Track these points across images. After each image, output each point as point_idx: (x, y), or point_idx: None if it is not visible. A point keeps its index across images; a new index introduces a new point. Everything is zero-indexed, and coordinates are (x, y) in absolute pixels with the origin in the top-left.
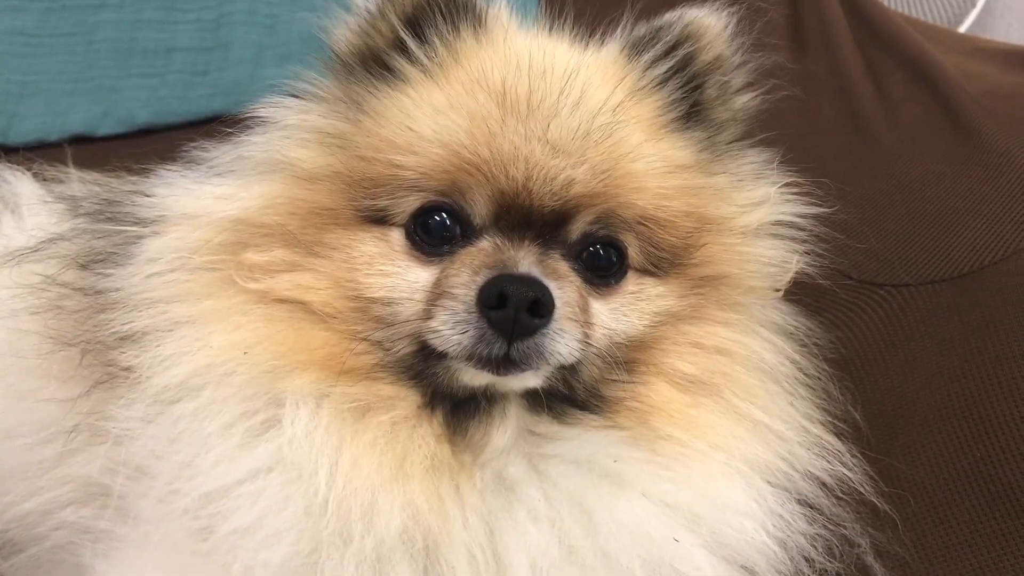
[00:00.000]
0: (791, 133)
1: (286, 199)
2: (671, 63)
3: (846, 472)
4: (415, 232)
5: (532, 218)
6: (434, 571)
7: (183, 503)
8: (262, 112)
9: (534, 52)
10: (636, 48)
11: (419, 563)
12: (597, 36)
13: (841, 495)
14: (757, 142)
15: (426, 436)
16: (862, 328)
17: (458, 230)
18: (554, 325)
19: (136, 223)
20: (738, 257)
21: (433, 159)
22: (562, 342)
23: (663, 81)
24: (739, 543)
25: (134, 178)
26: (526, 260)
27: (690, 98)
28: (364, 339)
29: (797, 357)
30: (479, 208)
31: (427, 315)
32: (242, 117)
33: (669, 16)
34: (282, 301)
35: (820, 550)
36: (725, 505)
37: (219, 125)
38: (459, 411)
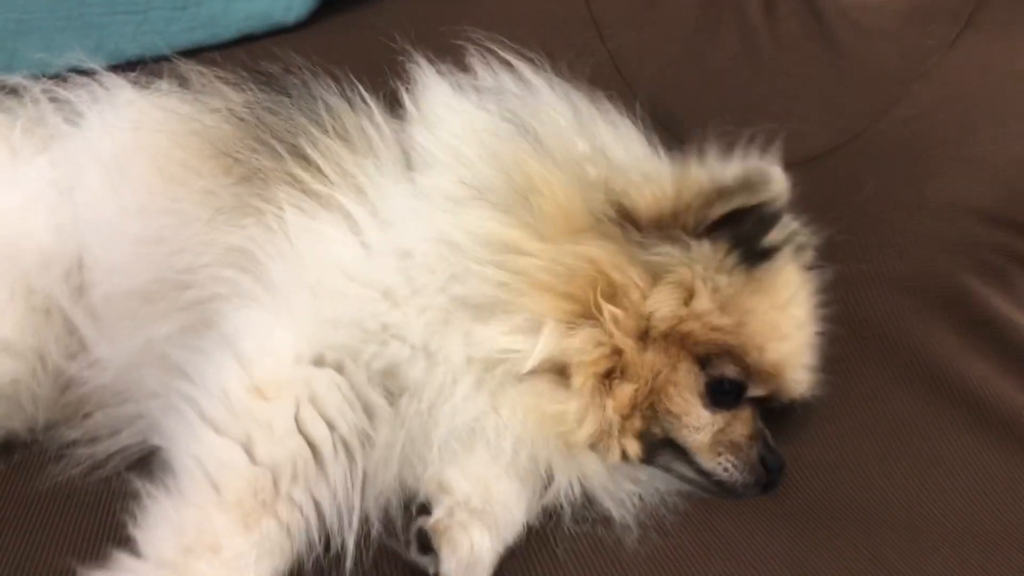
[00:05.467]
0: (688, 51)
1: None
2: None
3: None
4: (714, 388)
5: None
6: None
7: (312, 276)
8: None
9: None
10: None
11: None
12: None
13: None
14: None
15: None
16: None
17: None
18: None
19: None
20: None
21: (766, 368)
22: None
23: None
24: None
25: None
26: (766, 429)
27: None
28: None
29: None
30: (757, 392)
31: (711, 450)
32: None
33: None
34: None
35: None
36: None
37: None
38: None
